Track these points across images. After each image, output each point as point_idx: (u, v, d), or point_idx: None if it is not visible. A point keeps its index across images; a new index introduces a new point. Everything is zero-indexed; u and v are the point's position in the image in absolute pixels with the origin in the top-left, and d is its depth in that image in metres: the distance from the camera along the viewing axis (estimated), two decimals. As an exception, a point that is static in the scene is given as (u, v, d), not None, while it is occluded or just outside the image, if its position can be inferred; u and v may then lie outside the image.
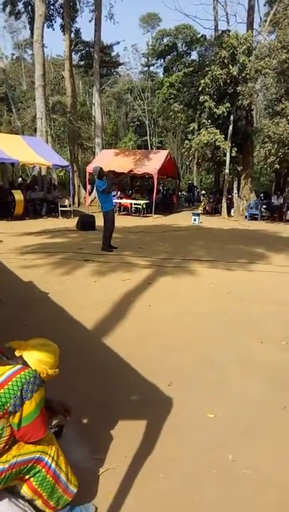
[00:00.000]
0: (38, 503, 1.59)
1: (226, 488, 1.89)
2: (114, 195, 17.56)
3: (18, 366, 1.51)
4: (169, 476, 1.95)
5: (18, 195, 13.28)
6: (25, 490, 1.57)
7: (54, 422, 2.12)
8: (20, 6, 23.19)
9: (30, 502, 1.59)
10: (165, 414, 2.45)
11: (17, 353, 1.60)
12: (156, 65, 39.98)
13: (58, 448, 1.63)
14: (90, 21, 21.27)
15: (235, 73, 15.54)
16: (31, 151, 14.43)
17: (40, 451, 1.55)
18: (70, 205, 15.34)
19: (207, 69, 16.54)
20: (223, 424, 2.38)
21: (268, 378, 2.93)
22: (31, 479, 1.56)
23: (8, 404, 1.41)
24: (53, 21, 23.37)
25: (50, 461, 1.57)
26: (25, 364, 1.56)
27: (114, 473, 1.95)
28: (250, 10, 19.38)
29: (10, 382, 1.43)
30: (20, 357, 1.59)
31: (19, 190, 13.90)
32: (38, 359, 1.58)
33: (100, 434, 2.26)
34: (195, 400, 2.63)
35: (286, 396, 2.68)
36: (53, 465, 1.58)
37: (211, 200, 19.94)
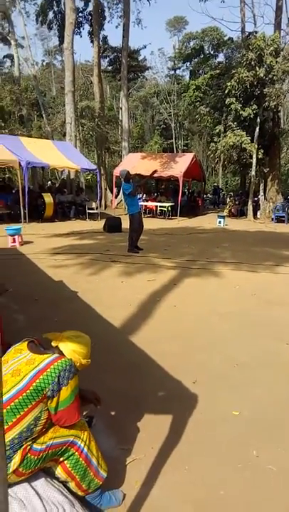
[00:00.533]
0: (71, 485, 1.70)
1: (250, 483, 1.94)
2: (140, 198, 17.75)
3: (55, 355, 1.63)
4: (193, 469, 2.02)
5: (48, 198, 13.68)
6: (59, 471, 1.68)
7: (84, 413, 2.24)
8: (51, 15, 23.93)
9: (64, 483, 1.71)
10: (190, 410, 2.52)
11: (53, 344, 1.73)
12: (182, 69, 40.13)
13: (90, 434, 1.74)
14: (117, 27, 21.76)
15: (262, 75, 15.38)
16: (61, 155, 14.83)
17: (73, 435, 1.66)
18: (97, 208, 15.63)
19: (234, 71, 16.45)
20: (247, 421, 2.43)
21: (294, 379, 2.94)
22: (65, 461, 1.67)
23: (47, 389, 1.53)
24: (82, 28, 23.94)
25: (82, 445, 1.68)
26: (61, 354, 1.69)
27: (140, 464, 2.04)
28: (278, 10, 19.11)
29: (48, 370, 1.55)
30: (56, 347, 1.72)
31: (49, 193, 14.31)
32: (72, 349, 1.70)
33: (128, 427, 2.36)
34: (220, 397, 2.68)
35: (311, 397, 2.69)
36: (85, 449, 1.69)
37: (237, 202, 19.76)
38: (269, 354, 3.37)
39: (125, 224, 11.04)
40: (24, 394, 1.51)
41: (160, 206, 17.58)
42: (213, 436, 2.28)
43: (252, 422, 2.41)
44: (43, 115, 26.95)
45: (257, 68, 15.50)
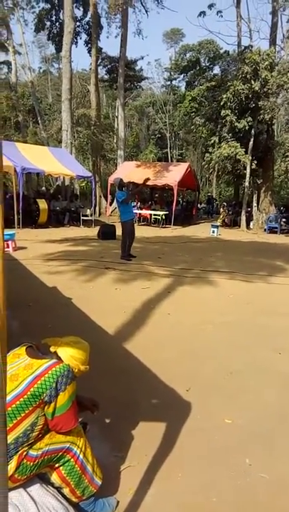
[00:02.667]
0: (66, 491, 1.70)
1: (243, 490, 1.95)
2: (134, 206, 17.84)
3: (53, 360, 1.64)
4: (187, 476, 2.03)
5: (42, 204, 13.68)
6: (54, 478, 1.68)
7: (79, 419, 2.23)
8: (48, 23, 24.17)
9: (59, 489, 1.70)
10: (184, 418, 2.54)
11: (52, 349, 1.73)
12: (178, 80, 40.63)
13: (86, 440, 1.75)
14: (116, 37, 21.98)
15: (257, 88, 15.68)
16: (56, 162, 14.88)
17: (70, 441, 1.67)
18: (91, 215, 15.66)
19: (229, 84, 16.75)
20: (240, 429, 2.44)
21: (286, 388, 2.97)
22: (60, 468, 1.67)
23: (44, 395, 1.54)
24: (78, 37, 24.22)
25: (78, 451, 1.69)
26: (59, 359, 1.69)
27: (134, 471, 2.05)
28: (274, 26, 19.58)
29: (46, 375, 1.56)
30: (55, 352, 1.72)
31: (43, 199, 14.32)
32: (71, 355, 1.71)
33: (122, 434, 2.36)
34: (213, 405, 2.70)
35: (304, 406, 2.72)
36: (81, 456, 1.69)
37: (230, 212, 19.94)
38: (262, 363, 3.40)
39: (119, 231, 11.07)
40: (22, 399, 1.52)
41: (154, 215, 17.68)
42: (206, 444, 2.29)
43: (245, 431, 2.43)
44: (39, 122, 27.07)
45: (252, 81, 15.80)
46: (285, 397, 2.84)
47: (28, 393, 1.52)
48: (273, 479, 2.03)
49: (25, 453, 1.54)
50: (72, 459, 1.68)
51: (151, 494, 1.90)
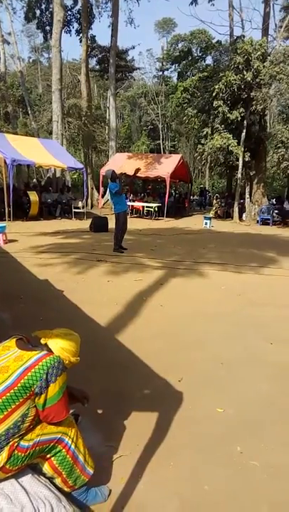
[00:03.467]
0: (58, 481, 1.70)
1: (234, 478, 1.98)
2: (126, 198, 17.76)
3: (44, 352, 1.64)
4: (179, 465, 2.05)
5: (33, 196, 13.55)
6: (46, 468, 1.69)
7: (70, 411, 2.24)
8: (38, 12, 23.69)
9: (51, 480, 1.71)
10: (176, 408, 2.56)
11: (42, 341, 1.73)
12: (170, 70, 40.29)
13: (78, 431, 1.75)
14: (109, 26, 21.61)
15: (249, 79, 15.60)
16: (47, 153, 14.70)
17: (61, 432, 1.67)
18: (83, 207, 15.56)
19: (221, 74, 16.64)
20: (231, 418, 2.47)
21: (277, 377, 3.01)
22: (52, 458, 1.68)
23: (35, 386, 1.53)
24: (71, 26, 23.80)
25: (70, 442, 1.69)
26: (50, 351, 1.69)
27: (126, 460, 2.06)
28: (266, 16, 19.44)
29: (36, 366, 1.55)
30: (45, 344, 1.72)
31: (34, 192, 14.18)
32: (61, 347, 1.71)
33: (114, 424, 2.37)
34: (205, 395, 2.72)
35: (294, 394, 2.76)
36: (73, 446, 1.70)
37: (223, 204, 19.97)
38: (253, 353, 3.44)
39: (112, 224, 11.03)
40: (12, 391, 1.51)
41: (147, 207, 17.64)
42: (198, 433, 2.32)
43: (236, 419, 2.46)
44: (29, 112, 26.69)
45: (244, 72, 15.71)
46: (276, 386, 2.87)
47: (19, 385, 1.51)
48: (264, 466, 2.06)
49: (16, 444, 1.54)
50: (63, 449, 1.68)
51: (143, 483, 1.92)
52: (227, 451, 2.16)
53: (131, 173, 16.68)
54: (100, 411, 2.50)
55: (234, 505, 1.82)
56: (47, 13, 23.51)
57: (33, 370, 1.54)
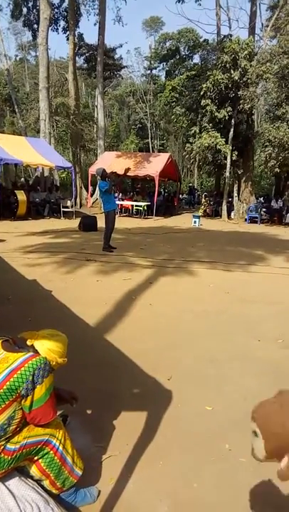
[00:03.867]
0: (46, 483, 1.69)
1: (223, 475, 1.99)
2: (115, 197, 17.71)
3: (30, 353, 1.62)
4: (168, 464, 2.05)
5: (21, 196, 13.41)
6: (34, 470, 1.67)
7: (58, 412, 2.22)
8: (25, 10, 23.41)
9: (38, 482, 1.69)
10: (165, 406, 2.56)
11: (29, 342, 1.71)
12: (158, 69, 40.28)
13: (65, 432, 1.74)
14: (96, 24, 21.50)
15: (236, 78, 15.70)
16: (35, 152, 14.57)
17: (48, 434, 1.65)
18: (72, 206, 15.47)
19: (209, 73, 16.72)
20: (220, 416, 2.48)
21: (265, 374, 3.04)
22: (40, 460, 1.66)
23: (21, 388, 1.51)
24: (58, 25, 23.58)
25: (57, 444, 1.68)
26: (36, 352, 1.67)
27: (116, 460, 2.05)
28: (253, 15, 19.60)
29: (22, 368, 1.53)
30: (32, 346, 1.70)
31: (22, 191, 14.04)
32: (48, 348, 1.69)
33: (103, 424, 2.36)
34: (194, 393, 2.73)
35: (281, 391, 2.78)
36: (60, 448, 1.68)
37: (212, 202, 20.07)
38: (242, 350, 3.46)
39: (101, 223, 10.99)
40: (-3, 393, 1.49)
41: (136, 205, 17.63)
42: (187, 431, 2.32)
43: (224, 417, 2.47)
44: (16, 111, 26.38)
45: (232, 71, 15.81)
46: (264, 383, 2.90)
47: (4, 387, 1.49)
48: (253, 463, 2.07)
49: (2, 447, 1.52)
50: (51, 451, 1.67)
51: (132, 482, 1.91)
52: (216, 449, 2.17)
53: (120, 171, 16.71)
54: (89, 411, 2.49)
55: (223, 502, 1.83)
56: (34, 10, 23.25)
57: (18, 372, 1.52)
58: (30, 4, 23.41)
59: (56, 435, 1.68)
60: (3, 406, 1.49)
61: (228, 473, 2.00)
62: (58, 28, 23.64)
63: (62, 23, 23.76)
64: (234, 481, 1.95)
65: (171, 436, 2.27)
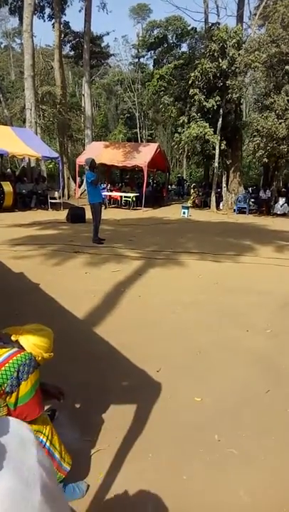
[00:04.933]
0: (33, 479, 1.66)
1: (212, 466, 1.99)
2: (103, 188, 17.54)
3: (14, 349, 1.57)
4: (157, 456, 2.05)
5: (7, 187, 13.17)
6: (21, 467, 1.64)
7: (46, 407, 2.19)
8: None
9: (26, 478, 1.67)
10: (154, 399, 2.55)
11: (13, 338, 1.66)
12: (146, 57, 39.71)
13: (52, 427, 1.71)
14: (80, 11, 21.02)
15: (224, 67, 15.57)
16: (21, 142, 14.26)
17: (35, 430, 1.62)
18: (59, 198, 15.27)
19: (197, 62, 16.53)
20: (209, 407, 2.49)
21: (253, 364, 3.05)
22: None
23: (6, 385, 1.47)
24: (44, 12, 22.99)
25: (44, 439, 1.65)
26: (21, 348, 1.63)
27: (105, 454, 2.04)
28: (241, 3, 19.42)
29: (7, 364, 1.49)
30: (17, 341, 1.66)
31: (8, 182, 13.78)
32: (33, 343, 1.64)
33: (92, 418, 2.35)
34: (183, 385, 2.73)
35: (269, 381, 2.81)
36: (48, 444, 1.66)
37: (200, 193, 20.06)
38: (230, 341, 3.47)
39: (89, 214, 10.88)
40: (-19, 390, 1.45)
41: (125, 196, 17.50)
42: (176, 423, 2.32)
43: (213, 408, 2.48)
44: (1, 100, 25.76)
45: (220, 60, 15.66)
46: (252, 374, 2.91)
47: (-12, 384, 1.45)
48: (241, 453, 2.08)
49: (-13, 445, 1.48)
50: (38, 448, 1.64)
51: (121, 476, 1.90)
52: (205, 440, 2.18)
53: (108, 162, 16.52)
54: (77, 405, 2.47)
55: (212, 493, 1.83)
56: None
57: (3, 369, 1.48)
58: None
59: (43, 431, 1.65)
60: (-13, 403, 1.45)
61: (217, 464, 2.01)
62: (43, 16, 23.07)
63: (48, 10, 23.19)
64: (223, 472, 1.96)
65: (160, 428, 2.27)
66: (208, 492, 1.84)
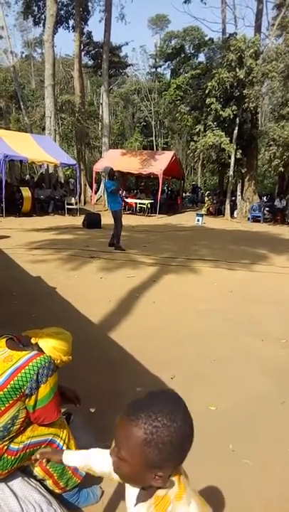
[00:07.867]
0: (49, 483, 1.67)
1: (227, 476, 1.97)
2: (121, 197, 17.67)
3: (34, 352, 1.60)
4: (171, 464, 2.04)
5: (26, 192, 13.42)
6: (37, 470, 1.65)
7: (62, 410, 2.21)
8: (35, 8, 23.27)
9: (41, 482, 1.68)
10: (168, 406, 2.54)
11: (33, 341, 1.69)
12: (163, 67, 40.06)
13: (70, 431, 1.73)
14: (100, 21, 21.40)
15: (241, 76, 15.60)
16: (40, 149, 14.56)
17: (52, 433, 1.64)
18: (76, 203, 15.46)
19: (214, 71, 16.62)
20: (223, 416, 2.47)
21: (268, 374, 3.02)
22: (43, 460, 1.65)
23: (25, 387, 1.50)
24: (67, 22, 23.42)
25: (61, 443, 1.66)
26: (41, 351, 1.65)
27: (119, 460, 2.04)
28: (259, 13, 19.47)
29: (27, 367, 1.52)
30: (36, 344, 1.68)
31: (27, 187, 14.05)
32: (52, 346, 1.67)
33: (107, 423, 2.34)
34: (197, 392, 2.71)
35: (285, 391, 2.77)
36: (64, 447, 1.67)
37: (215, 201, 20.01)
38: (245, 350, 3.44)
39: (105, 220, 11.01)
40: (1, 392, 1.48)
41: (140, 203, 17.60)
42: (190, 432, 2.30)
43: (228, 417, 2.46)
44: (22, 108, 26.35)
45: (237, 69, 15.70)
46: (268, 383, 2.88)
47: (8, 386, 1.48)
48: (256, 465, 2.05)
49: (6, 447, 1.51)
50: (55, 451, 1.65)
51: (135, 482, 1.90)
52: (219, 450, 2.16)
53: (125, 170, 16.65)
54: (92, 409, 2.48)
55: (226, 505, 1.81)
56: (44, 8, 23.08)
57: (23, 371, 1.51)
58: (40, 3, 23.28)
59: (60, 435, 1.66)
60: (7, 405, 1.48)
61: (231, 475, 1.98)
62: (68, 27, 23.52)
63: (72, 21, 23.60)
64: (238, 482, 1.93)
65: (175, 436, 2.25)
66: (221, 504, 1.82)
